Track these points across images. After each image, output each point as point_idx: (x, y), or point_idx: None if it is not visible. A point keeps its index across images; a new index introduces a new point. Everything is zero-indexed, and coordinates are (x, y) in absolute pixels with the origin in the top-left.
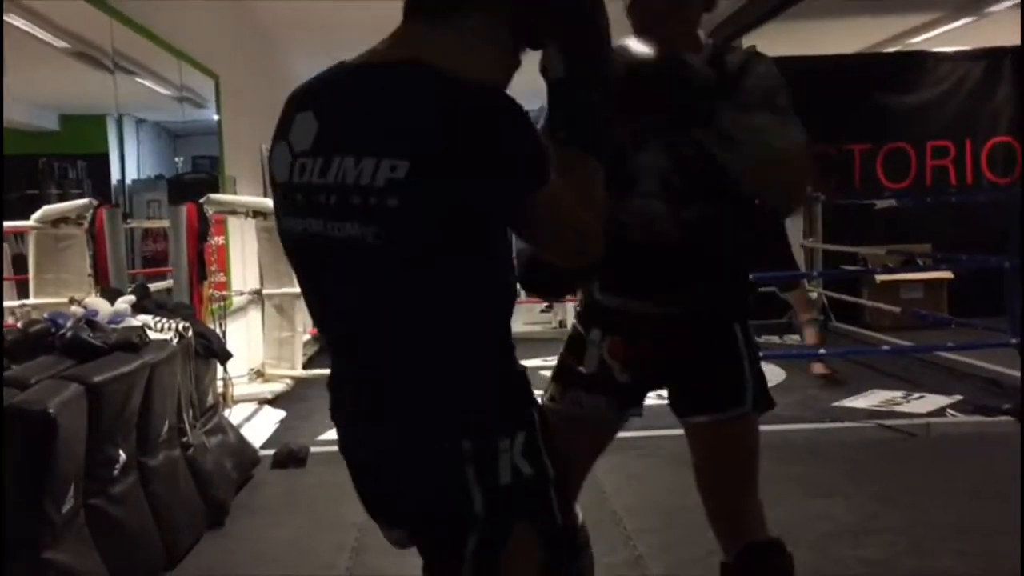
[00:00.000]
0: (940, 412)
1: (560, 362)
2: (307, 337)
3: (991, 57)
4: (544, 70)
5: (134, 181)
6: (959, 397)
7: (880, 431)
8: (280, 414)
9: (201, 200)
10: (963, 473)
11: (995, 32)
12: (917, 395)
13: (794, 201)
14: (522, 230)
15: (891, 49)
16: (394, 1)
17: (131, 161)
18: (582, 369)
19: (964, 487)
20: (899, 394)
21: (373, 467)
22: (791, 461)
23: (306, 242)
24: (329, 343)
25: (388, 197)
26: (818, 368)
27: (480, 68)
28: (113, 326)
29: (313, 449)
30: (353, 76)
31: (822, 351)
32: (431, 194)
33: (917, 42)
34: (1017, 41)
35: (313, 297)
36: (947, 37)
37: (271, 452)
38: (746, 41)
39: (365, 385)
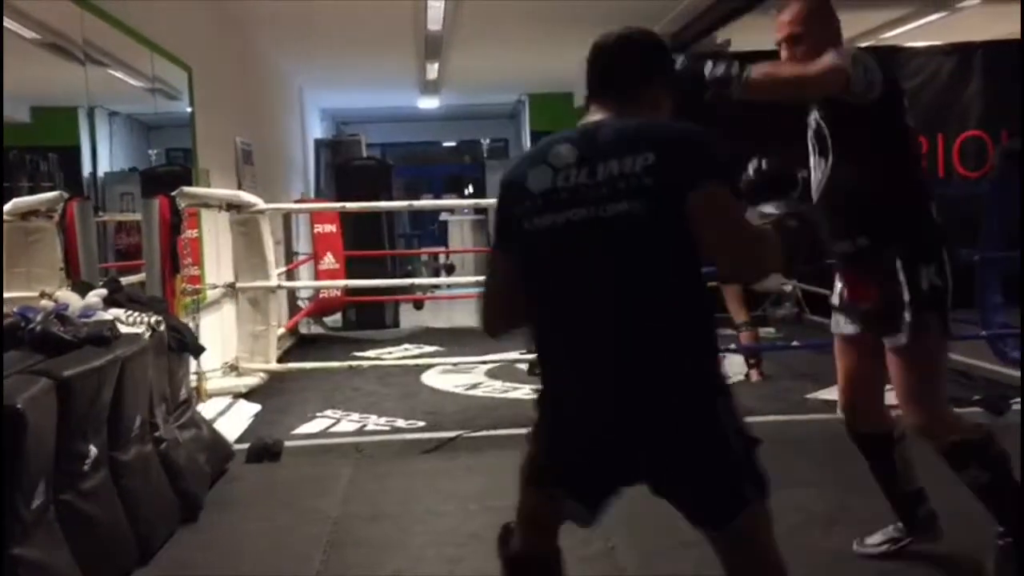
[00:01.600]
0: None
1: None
2: (281, 331)
3: (962, 52)
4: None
5: (107, 174)
6: None
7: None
8: (255, 408)
9: (173, 193)
10: (932, 463)
11: (966, 27)
12: (889, 387)
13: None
14: (706, 215)
15: (864, 44)
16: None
17: (104, 153)
18: (834, 300)
19: (933, 476)
20: None
21: (627, 427)
22: (763, 452)
23: (568, 230)
24: (569, 332)
25: (644, 177)
26: (754, 376)
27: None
28: (84, 320)
29: (288, 443)
30: (590, 126)
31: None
32: (670, 175)
33: (890, 37)
34: (988, 36)
35: (565, 282)
36: (919, 32)
37: (245, 446)
38: (721, 35)
39: (619, 353)
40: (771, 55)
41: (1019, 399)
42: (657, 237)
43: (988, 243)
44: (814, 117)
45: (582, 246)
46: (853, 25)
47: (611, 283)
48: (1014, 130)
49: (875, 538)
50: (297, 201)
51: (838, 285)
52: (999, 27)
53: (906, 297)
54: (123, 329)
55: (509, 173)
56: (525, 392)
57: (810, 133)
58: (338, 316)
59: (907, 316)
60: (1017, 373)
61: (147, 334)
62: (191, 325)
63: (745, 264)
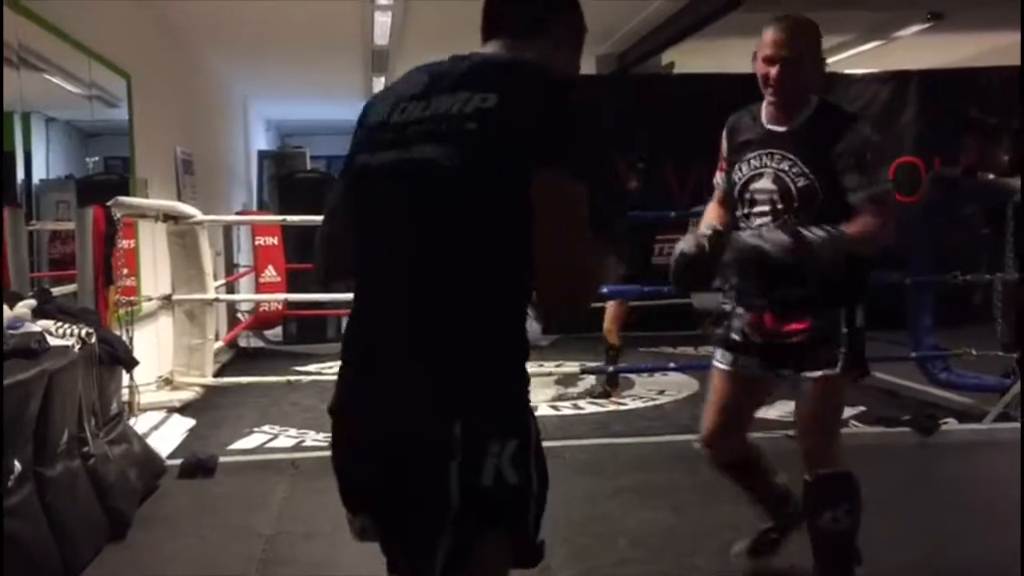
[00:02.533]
0: (844, 423)
1: (722, 334)
2: (219, 345)
3: (898, 80)
4: None
5: (42, 181)
6: (862, 408)
7: (788, 441)
8: (189, 423)
9: (109, 203)
10: (862, 482)
11: (902, 56)
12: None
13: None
14: (540, 207)
15: None
16: (310, 3)
17: (39, 160)
18: (734, 336)
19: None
20: None
21: (370, 418)
22: (700, 470)
23: (377, 173)
24: (365, 284)
25: (468, 121)
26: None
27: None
28: (11, 332)
29: (222, 459)
30: (460, 56)
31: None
32: (507, 128)
33: (829, 63)
34: (923, 65)
35: (366, 230)
36: (857, 59)
37: (178, 462)
38: (665, 57)
39: (394, 319)
40: (713, 78)
41: (948, 419)
42: (459, 199)
43: (919, 267)
44: (773, 169)
45: (382, 195)
46: None
47: (397, 248)
48: (946, 157)
49: (742, 543)
50: (239, 213)
51: (737, 322)
52: (934, 57)
53: (844, 331)
54: (52, 341)
55: (371, 97)
56: None
57: (761, 183)
58: (279, 329)
59: (843, 350)
60: (946, 394)
61: (77, 346)
62: (125, 337)
63: (560, 296)
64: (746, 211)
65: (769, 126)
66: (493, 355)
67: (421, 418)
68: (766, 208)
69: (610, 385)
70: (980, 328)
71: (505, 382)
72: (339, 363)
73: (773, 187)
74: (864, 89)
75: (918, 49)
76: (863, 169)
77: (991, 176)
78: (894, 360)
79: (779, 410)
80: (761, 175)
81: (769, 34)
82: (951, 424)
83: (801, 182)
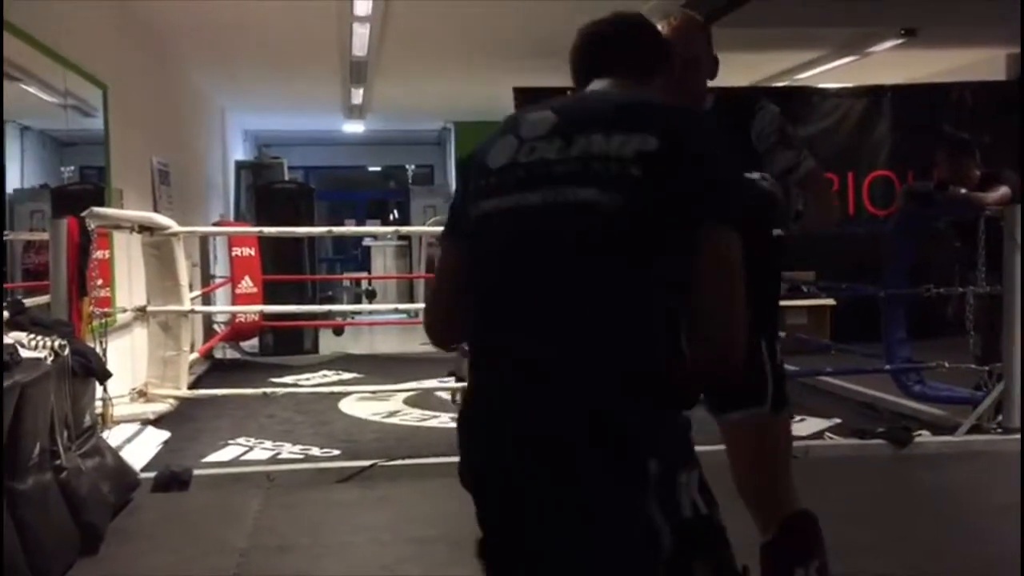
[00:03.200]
0: (819, 435)
1: None
2: (194, 356)
3: (872, 95)
4: None
5: (16, 190)
6: (837, 420)
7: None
8: (164, 435)
9: (83, 214)
10: (837, 495)
11: (876, 71)
12: (799, 418)
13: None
14: (697, 260)
15: (779, 84)
16: (288, 14)
17: (14, 170)
18: None
19: (837, 508)
20: None
21: (527, 475)
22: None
23: (516, 217)
24: (498, 326)
25: (633, 165)
26: None
27: None
28: None
29: (197, 471)
30: (584, 94)
31: None
32: (672, 177)
33: (804, 78)
34: (897, 80)
35: (503, 280)
36: (831, 74)
37: (152, 475)
38: None
39: (543, 366)
40: None
41: (922, 431)
42: (625, 247)
43: (892, 280)
44: None
45: (527, 239)
46: (769, 66)
47: (547, 294)
48: (920, 171)
49: None
50: (216, 223)
51: None
52: (907, 71)
53: (768, 369)
54: (25, 353)
55: (476, 147)
56: (443, 420)
57: None
58: (255, 341)
59: (770, 386)
60: (920, 406)
61: (50, 358)
62: (99, 349)
63: (715, 350)
64: None
65: None
66: (659, 388)
67: (616, 462)
68: None
69: None
70: (953, 341)
71: (672, 412)
72: (457, 418)
73: None
74: (839, 103)
75: (892, 64)
76: (790, 144)
77: (963, 190)
78: (869, 372)
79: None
80: None
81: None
82: (925, 436)
83: None
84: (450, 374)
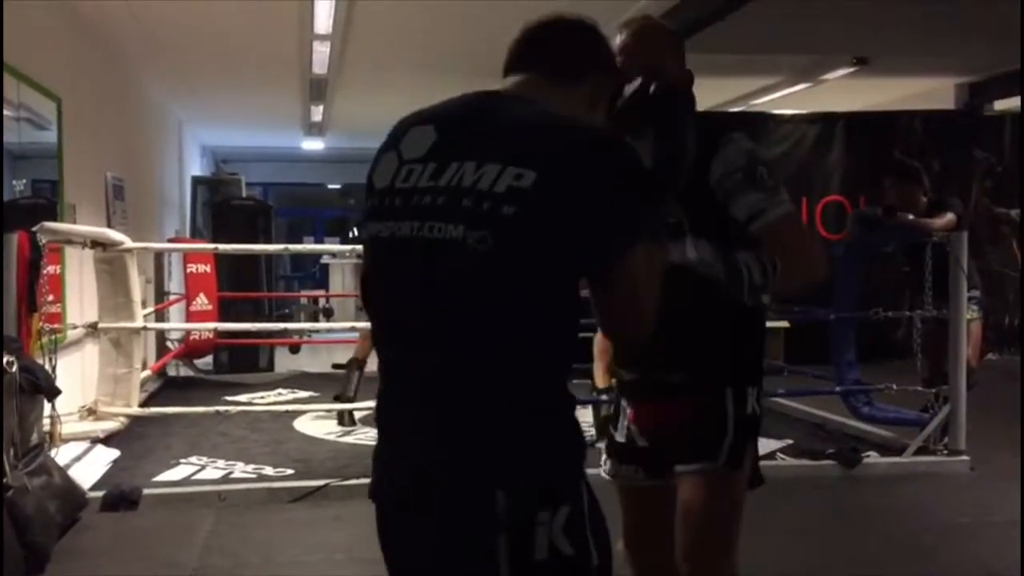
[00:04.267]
0: (771, 456)
1: (608, 436)
2: (147, 373)
3: (825, 121)
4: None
5: None
6: (789, 441)
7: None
8: (113, 454)
9: (34, 228)
10: (788, 513)
11: (829, 98)
12: None
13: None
14: (601, 284)
15: (735, 109)
16: (248, 30)
17: None
18: (618, 439)
19: (788, 527)
20: None
21: (408, 502)
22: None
23: (391, 248)
24: (388, 359)
25: (505, 203)
26: None
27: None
28: None
29: (147, 490)
30: (479, 99)
31: None
32: (550, 211)
33: (759, 103)
34: (849, 107)
35: (386, 306)
36: (786, 101)
37: (101, 494)
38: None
39: (421, 403)
40: None
41: (871, 452)
42: (494, 284)
43: (842, 303)
44: None
45: (400, 272)
46: (726, 91)
47: (423, 326)
48: (871, 196)
49: None
50: (171, 239)
51: (623, 419)
52: (859, 99)
53: (731, 418)
54: None
55: (377, 151)
56: None
57: None
58: (209, 358)
59: (729, 439)
60: (869, 428)
61: None
62: (48, 366)
63: (636, 327)
64: None
65: None
66: (538, 408)
67: (462, 492)
68: None
69: (601, 432)
70: (902, 363)
71: (549, 446)
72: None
73: None
74: (793, 129)
75: (844, 92)
76: (760, 186)
77: (910, 216)
78: (819, 394)
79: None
80: None
81: (622, 42)
82: (873, 457)
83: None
84: (335, 397)
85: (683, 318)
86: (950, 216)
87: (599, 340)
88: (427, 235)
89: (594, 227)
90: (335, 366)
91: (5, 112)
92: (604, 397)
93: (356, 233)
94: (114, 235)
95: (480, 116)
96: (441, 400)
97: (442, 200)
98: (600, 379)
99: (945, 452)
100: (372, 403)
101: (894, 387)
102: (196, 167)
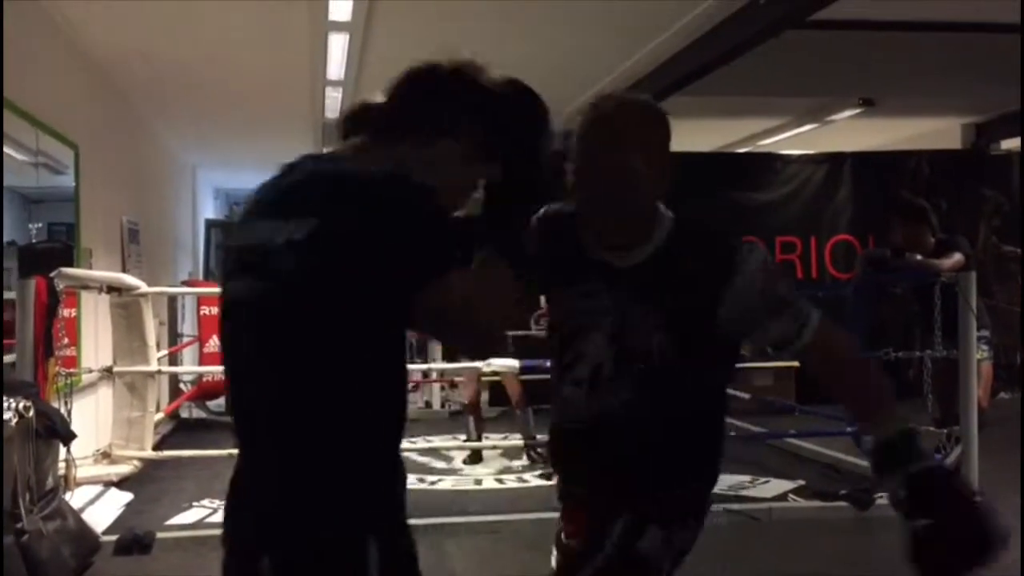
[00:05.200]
0: (783, 497)
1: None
2: (160, 416)
3: (833, 161)
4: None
5: None
6: (801, 482)
7: (726, 515)
8: (127, 497)
9: (52, 274)
10: (800, 556)
11: (836, 138)
12: (763, 480)
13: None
14: (418, 318)
15: (743, 149)
16: (261, 76)
17: None
18: (556, 553)
19: (799, 570)
20: (747, 478)
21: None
22: None
23: (224, 303)
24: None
25: (286, 254)
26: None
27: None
28: None
29: (160, 534)
30: (291, 166)
31: None
32: (324, 263)
33: (767, 144)
34: (856, 147)
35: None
36: (793, 141)
37: (114, 538)
38: None
39: (240, 459)
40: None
41: (883, 494)
42: (279, 342)
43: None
44: (610, 320)
45: (225, 326)
46: (733, 132)
47: (234, 386)
48: (880, 236)
49: None
50: (185, 282)
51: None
52: (866, 139)
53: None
54: None
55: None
56: (410, 482)
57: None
58: (222, 400)
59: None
60: None
61: (14, 420)
62: (63, 410)
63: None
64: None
65: (599, 257)
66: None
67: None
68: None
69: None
70: (913, 403)
71: (331, 503)
72: None
73: (606, 346)
74: (801, 169)
75: (851, 132)
76: (788, 306)
77: (918, 257)
78: (831, 435)
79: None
80: (589, 328)
81: (585, 128)
82: (886, 498)
83: (659, 338)
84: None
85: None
86: (958, 256)
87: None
88: (236, 292)
89: (381, 267)
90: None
91: (24, 158)
92: None
93: None
94: (130, 280)
95: (296, 175)
96: (248, 455)
97: (247, 256)
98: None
99: None
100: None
101: None
102: (209, 210)
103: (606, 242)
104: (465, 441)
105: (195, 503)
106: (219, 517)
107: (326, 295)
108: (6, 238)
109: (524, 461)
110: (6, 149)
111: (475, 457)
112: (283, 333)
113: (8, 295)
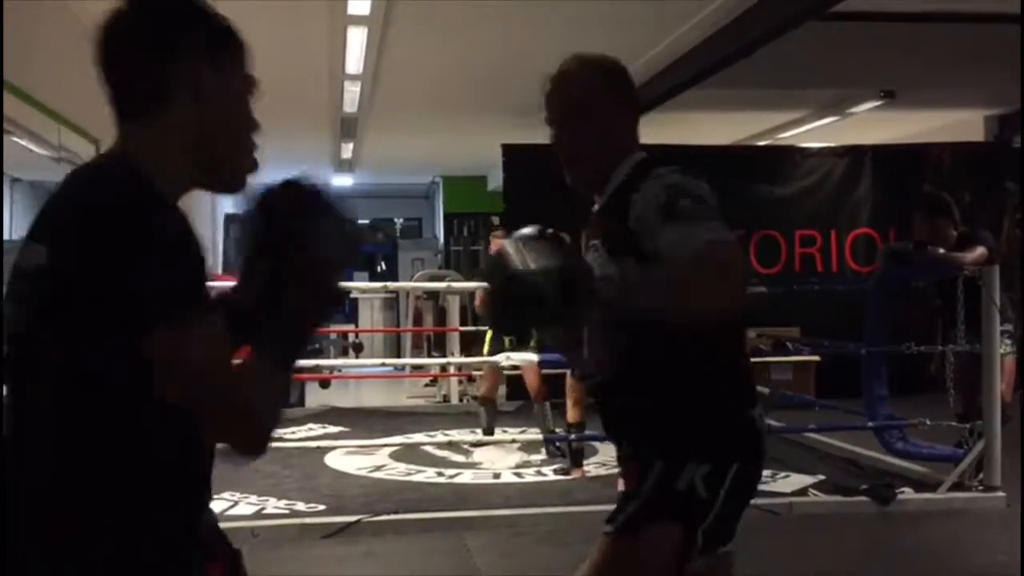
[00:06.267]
0: (803, 491)
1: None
2: None
3: (853, 154)
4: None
5: (5, 241)
6: (821, 477)
7: (748, 509)
8: None
9: None
10: (820, 551)
11: (857, 131)
12: (783, 474)
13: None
14: (154, 373)
15: (763, 142)
16: (280, 71)
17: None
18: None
19: (820, 565)
20: (767, 473)
21: None
22: None
23: None
24: None
25: (27, 281)
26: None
27: (174, 167)
28: None
29: None
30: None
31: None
32: (58, 289)
33: (786, 137)
34: (876, 140)
35: None
36: (813, 134)
37: None
38: None
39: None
40: (667, 149)
41: (905, 488)
42: (24, 370)
43: (873, 338)
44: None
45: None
46: (753, 125)
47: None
48: (901, 229)
49: None
50: None
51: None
52: (886, 132)
53: (645, 491)
54: None
55: None
56: (429, 475)
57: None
58: None
59: (634, 507)
60: (902, 463)
61: None
62: None
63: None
64: None
65: (594, 207)
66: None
67: None
68: None
69: (573, 464)
70: (935, 397)
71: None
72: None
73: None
74: (821, 162)
75: (872, 124)
76: (679, 218)
77: (941, 250)
78: (851, 429)
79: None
80: None
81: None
82: (907, 493)
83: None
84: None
85: (631, 381)
86: (981, 250)
87: (569, 378)
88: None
89: (97, 307)
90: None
91: (46, 153)
92: (573, 435)
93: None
94: None
95: (59, 188)
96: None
97: (7, 282)
98: (571, 415)
99: (980, 488)
100: (401, 439)
101: (927, 422)
102: (228, 204)
103: (571, 182)
104: (482, 434)
105: (215, 496)
106: (239, 510)
107: (61, 327)
108: (27, 232)
109: (543, 455)
110: (28, 144)
111: (482, 442)
112: (39, 361)
113: None
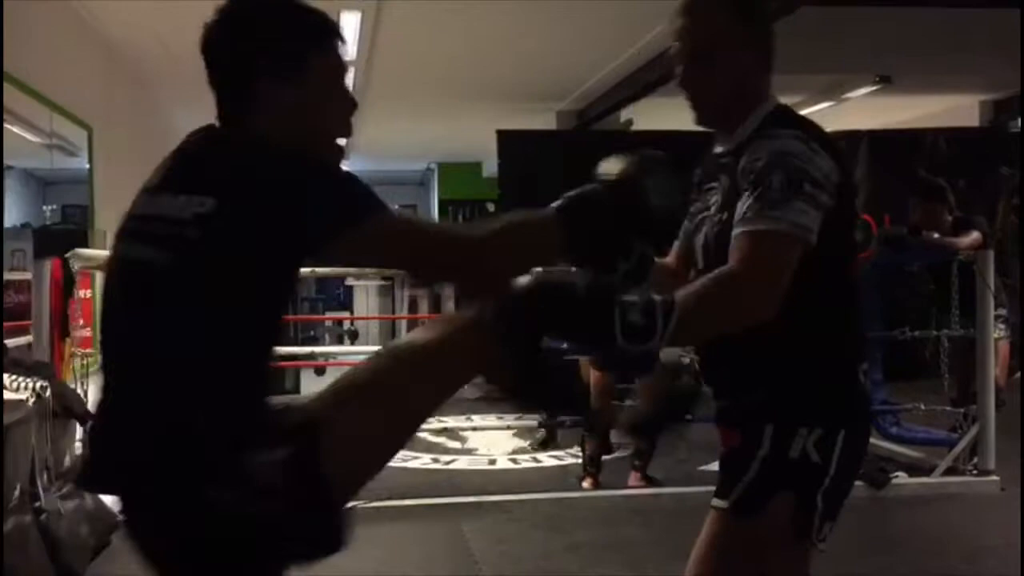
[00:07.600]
0: None
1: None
2: None
3: (849, 140)
4: None
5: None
6: None
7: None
8: None
9: (67, 255)
10: None
11: (853, 116)
12: None
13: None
14: (360, 257)
15: None
16: None
17: None
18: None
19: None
20: None
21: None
22: (657, 523)
23: (111, 266)
24: (104, 368)
25: (189, 228)
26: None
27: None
28: None
29: None
30: (195, 132)
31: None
32: (230, 232)
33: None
34: (872, 125)
35: (102, 319)
36: (810, 119)
37: None
38: (623, 115)
39: (121, 411)
40: (668, 134)
41: (899, 473)
42: (175, 301)
43: (868, 323)
44: (711, 212)
45: (108, 290)
46: None
47: (121, 339)
48: (897, 214)
49: None
50: None
51: None
52: (882, 117)
53: (758, 459)
54: (6, 395)
55: None
56: (424, 462)
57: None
58: None
59: (747, 481)
60: (897, 448)
61: (31, 400)
62: (80, 390)
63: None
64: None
65: (717, 149)
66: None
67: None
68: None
69: (591, 468)
70: (929, 382)
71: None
72: None
73: (703, 239)
74: None
75: (868, 110)
76: (761, 195)
77: (935, 235)
78: None
79: None
80: (702, 222)
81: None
82: (902, 477)
83: (717, 231)
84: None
85: (736, 340)
86: (975, 235)
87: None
88: (130, 255)
89: (287, 229)
90: None
91: (38, 140)
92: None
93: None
94: None
95: (188, 149)
96: (140, 403)
97: (145, 226)
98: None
99: (974, 472)
100: None
101: (922, 407)
102: None
103: (696, 121)
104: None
105: None
106: None
107: (231, 262)
108: (20, 220)
109: (539, 440)
110: (20, 131)
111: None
112: (187, 291)
113: (21, 276)
